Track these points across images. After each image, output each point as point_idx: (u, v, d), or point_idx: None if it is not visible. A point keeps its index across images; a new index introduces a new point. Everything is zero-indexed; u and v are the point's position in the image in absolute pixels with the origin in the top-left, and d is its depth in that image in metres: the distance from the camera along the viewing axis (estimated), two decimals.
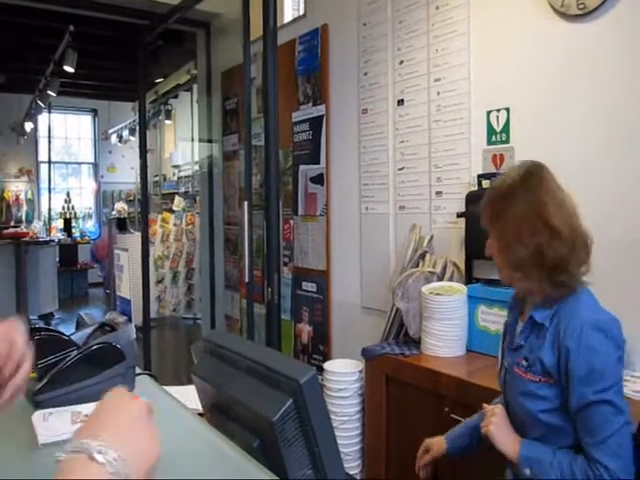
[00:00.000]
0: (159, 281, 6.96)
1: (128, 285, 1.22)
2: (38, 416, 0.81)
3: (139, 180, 6.58)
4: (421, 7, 2.93)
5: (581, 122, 2.27)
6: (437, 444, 1.73)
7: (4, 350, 0.80)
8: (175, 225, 7.25)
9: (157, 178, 9.56)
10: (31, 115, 9.05)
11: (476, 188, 2.57)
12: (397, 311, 2.70)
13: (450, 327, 2.40)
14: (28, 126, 9.35)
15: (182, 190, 8.68)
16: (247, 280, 3.21)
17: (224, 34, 4.84)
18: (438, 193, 2.86)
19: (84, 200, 11.71)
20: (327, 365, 2.93)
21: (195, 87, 7.02)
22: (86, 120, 11.66)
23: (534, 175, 1.45)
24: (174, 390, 1.16)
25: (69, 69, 5.88)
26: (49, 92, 7.07)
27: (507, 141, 2.53)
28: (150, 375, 1.03)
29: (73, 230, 10.73)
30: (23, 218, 10.21)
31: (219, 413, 0.98)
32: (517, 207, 1.39)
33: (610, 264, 2.05)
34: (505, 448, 1.40)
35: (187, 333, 7.03)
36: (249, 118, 3.27)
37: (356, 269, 3.36)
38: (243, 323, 4.48)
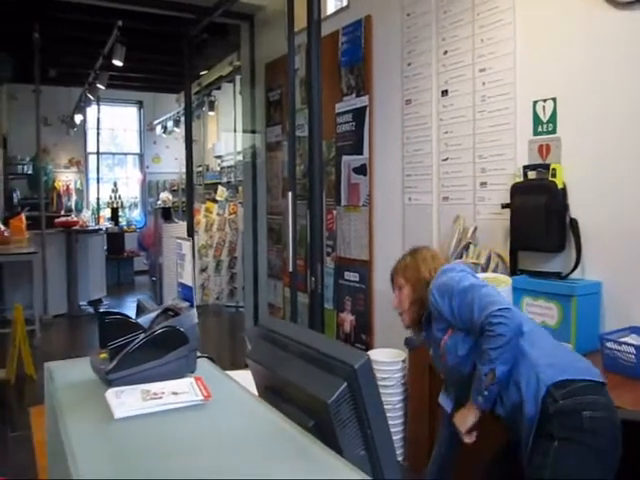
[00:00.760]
0: (203, 269, 7.12)
1: (190, 272, 1.26)
2: (111, 393, 0.88)
3: (183, 170, 6.73)
4: None
5: (629, 112, 2.24)
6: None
7: None
8: (218, 215, 7.39)
9: (200, 168, 9.73)
10: (80, 107, 9.31)
11: (522, 179, 2.56)
12: None
13: None
14: (78, 118, 9.61)
15: (224, 180, 8.82)
16: (291, 269, 3.27)
17: (267, 26, 4.90)
18: (482, 184, 2.86)
19: (130, 190, 12.00)
20: (370, 354, 2.96)
21: (238, 78, 7.10)
22: (132, 112, 11.92)
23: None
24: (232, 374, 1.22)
25: (118, 63, 6.03)
26: (98, 85, 7.27)
27: (554, 131, 2.51)
28: (209, 358, 1.09)
29: (120, 219, 11.01)
30: (73, 207, 10.53)
31: (273, 395, 1.03)
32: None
33: None
34: (472, 419, 1.73)
35: (230, 320, 7.18)
36: (293, 109, 3.32)
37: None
38: (286, 311, 4.56)
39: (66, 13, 5.91)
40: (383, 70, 3.53)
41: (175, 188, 10.57)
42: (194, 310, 0.99)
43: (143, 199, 11.95)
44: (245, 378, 1.09)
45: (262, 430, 0.81)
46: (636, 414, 1.71)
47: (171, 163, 11.42)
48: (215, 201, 7.90)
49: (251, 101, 5.15)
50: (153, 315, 1.02)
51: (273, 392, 1.02)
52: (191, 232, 4.82)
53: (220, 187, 8.35)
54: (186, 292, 1.09)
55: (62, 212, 9.85)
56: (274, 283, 4.84)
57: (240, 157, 7.56)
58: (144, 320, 1.01)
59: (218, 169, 9.50)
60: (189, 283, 1.06)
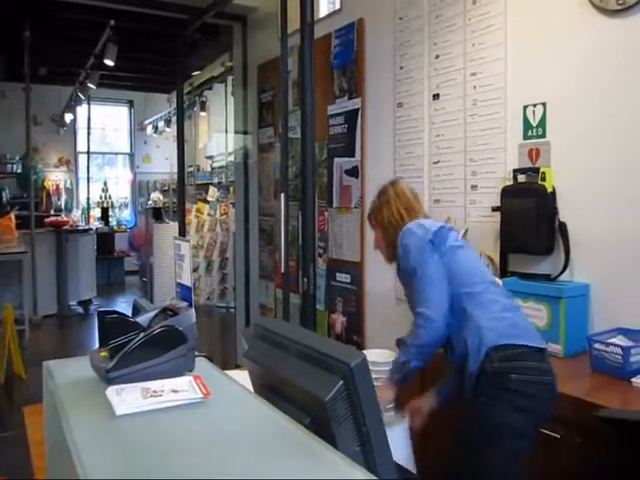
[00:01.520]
0: (194, 270, 7.11)
1: (189, 273, 1.28)
2: (111, 391, 0.89)
3: (174, 170, 6.73)
4: (458, 2, 2.95)
5: (619, 118, 2.28)
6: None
7: None
8: (209, 215, 7.39)
9: (191, 169, 9.73)
10: (71, 106, 9.28)
11: (511, 182, 2.60)
12: None
13: None
14: (68, 117, 9.59)
15: (215, 181, 8.82)
16: (283, 271, 3.29)
17: (260, 28, 4.91)
18: (473, 187, 2.89)
19: (120, 190, 11.97)
20: None
21: (230, 79, 7.11)
22: (123, 111, 11.90)
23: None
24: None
25: (109, 63, 6.03)
26: (89, 84, 7.26)
27: (543, 135, 2.54)
28: (206, 357, 1.11)
29: (110, 219, 10.98)
30: (62, 207, 10.49)
31: (270, 393, 1.05)
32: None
33: None
34: (390, 394, 1.93)
35: (221, 321, 7.18)
36: (286, 111, 3.34)
37: None
38: (277, 312, 4.58)
39: (58, 11, 5.90)
40: (375, 73, 3.56)
41: (166, 188, 10.56)
42: (192, 310, 1.01)
43: (133, 199, 11.92)
44: (239, 377, 1.10)
45: (262, 427, 0.83)
46: (627, 413, 1.74)
47: (162, 163, 11.40)
48: (206, 201, 7.90)
49: (243, 102, 5.16)
50: (152, 314, 1.04)
51: (269, 390, 1.04)
52: (183, 232, 4.83)
53: (211, 187, 8.34)
54: (185, 292, 1.11)
55: (52, 211, 9.81)
56: (265, 284, 4.85)
57: (231, 158, 7.57)
58: (143, 319, 1.03)
59: (209, 169, 9.50)
60: (187, 283, 1.08)
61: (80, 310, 7.86)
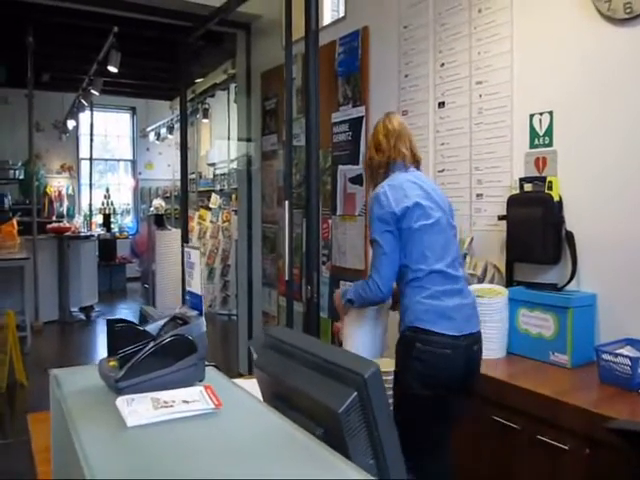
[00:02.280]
0: None
1: (199, 281, 1.25)
2: (121, 401, 0.88)
3: (176, 177, 6.72)
4: (463, 10, 2.96)
5: (626, 126, 2.27)
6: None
7: None
8: (212, 222, 7.40)
9: (193, 175, 9.73)
10: (73, 113, 9.30)
11: (518, 191, 2.59)
12: None
13: (491, 329, 2.42)
14: (70, 124, 9.60)
15: (217, 188, 8.82)
16: (287, 278, 3.28)
17: (264, 35, 4.92)
18: (479, 195, 2.88)
19: (122, 196, 11.97)
20: None
21: (232, 86, 7.12)
22: (125, 118, 11.92)
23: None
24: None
25: (113, 69, 6.04)
26: (92, 91, 7.27)
27: (550, 144, 2.54)
28: (215, 367, 1.09)
29: (112, 225, 10.98)
30: (65, 213, 10.48)
31: (281, 403, 1.03)
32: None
33: None
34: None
35: (223, 328, 7.16)
36: (290, 118, 3.33)
37: None
38: (280, 320, 4.56)
39: (61, 18, 5.90)
40: (380, 81, 3.56)
41: (168, 195, 10.56)
42: (203, 318, 1.00)
43: (135, 205, 11.92)
44: (246, 387, 1.09)
45: (275, 438, 0.81)
46: (637, 424, 1.72)
47: (164, 170, 11.42)
48: (208, 208, 7.91)
49: (247, 109, 5.16)
50: (161, 323, 1.03)
51: (280, 400, 1.03)
52: (185, 239, 4.82)
53: (213, 194, 8.35)
54: (195, 300, 1.10)
55: (54, 218, 9.80)
56: (268, 291, 4.84)
57: (233, 165, 7.57)
58: (152, 328, 1.01)
59: (211, 176, 9.51)
60: (198, 291, 1.07)
61: (82, 316, 7.84)
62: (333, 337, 3.97)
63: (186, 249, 1.14)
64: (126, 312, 8.56)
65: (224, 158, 8.57)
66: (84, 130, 10.48)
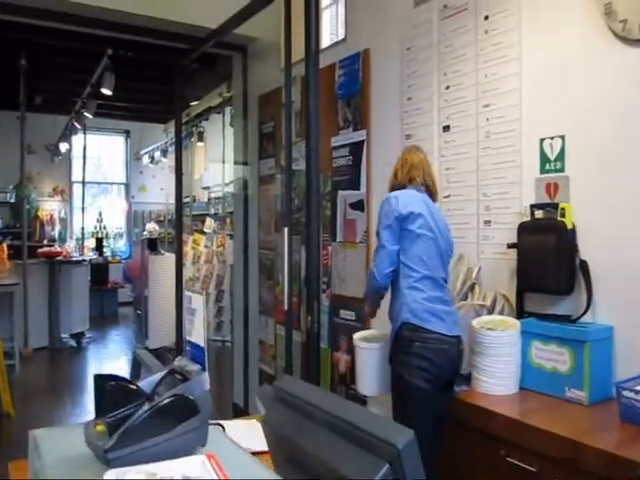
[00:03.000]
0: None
1: (202, 330, 1.11)
2: (111, 475, 0.75)
3: (169, 201, 6.61)
4: (469, 31, 2.88)
5: None
6: None
7: None
8: (206, 247, 7.25)
9: (187, 199, 9.61)
10: (66, 136, 9.21)
11: (529, 218, 2.48)
12: None
13: (503, 363, 2.30)
14: (63, 146, 9.50)
15: (212, 212, 8.70)
16: (286, 307, 3.14)
17: (261, 58, 4.85)
18: (487, 222, 2.77)
19: (115, 220, 11.82)
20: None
21: (228, 109, 7.04)
22: (119, 141, 11.83)
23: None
24: (227, 424, 1.09)
25: (107, 92, 5.95)
26: (86, 114, 7.19)
27: (562, 170, 2.44)
28: (219, 425, 0.96)
29: (104, 249, 10.82)
30: (56, 237, 10.32)
31: (295, 469, 0.91)
32: None
33: None
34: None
35: (217, 354, 6.98)
36: (290, 142, 3.23)
37: None
38: (278, 349, 4.41)
39: (54, 40, 5.83)
40: (381, 104, 3.47)
41: (161, 219, 10.43)
42: (206, 374, 0.86)
43: (128, 229, 11.77)
44: (245, 429, 0.96)
45: None
46: None
47: (157, 193, 11.29)
48: (203, 232, 7.77)
49: (243, 133, 5.07)
50: (157, 377, 0.90)
51: (295, 466, 0.90)
52: (180, 264, 4.68)
53: (208, 219, 8.22)
54: (196, 352, 0.96)
55: (45, 242, 9.65)
56: (265, 319, 4.69)
57: (228, 189, 7.46)
58: (146, 384, 0.88)
59: (205, 200, 9.39)
60: (200, 343, 0.94)
61: (72, 343, 7.65)
62: (333, 367, 3.83)
63: (186, 293, 1.01)
64: (118, 338, 8.38)
65: (219, 181, 8.46)
66: (77, 152, 10.36)
